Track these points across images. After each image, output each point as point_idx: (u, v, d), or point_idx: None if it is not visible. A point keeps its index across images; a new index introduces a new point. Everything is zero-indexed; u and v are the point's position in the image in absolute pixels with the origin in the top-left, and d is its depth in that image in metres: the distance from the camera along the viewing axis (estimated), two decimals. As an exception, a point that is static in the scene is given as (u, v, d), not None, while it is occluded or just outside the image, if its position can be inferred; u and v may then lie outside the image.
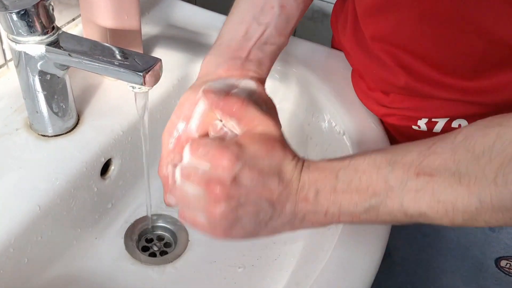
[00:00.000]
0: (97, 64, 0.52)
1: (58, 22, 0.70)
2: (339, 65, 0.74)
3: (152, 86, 0.51)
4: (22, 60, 0.54)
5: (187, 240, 0.66)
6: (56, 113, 0.58)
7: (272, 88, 0.75)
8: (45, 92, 0.56)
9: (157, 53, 0.73)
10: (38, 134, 0.60)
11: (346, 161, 0.42)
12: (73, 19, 0.72)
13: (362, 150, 0.46)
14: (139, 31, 0.67)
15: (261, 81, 0.52)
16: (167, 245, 0.67)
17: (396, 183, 0.40)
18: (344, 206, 0.42)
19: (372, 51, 0.61)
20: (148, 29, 0.76)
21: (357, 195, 0.41)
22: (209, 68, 0.52)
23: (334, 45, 0.79)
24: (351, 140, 0.63)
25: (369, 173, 0.41)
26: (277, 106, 0.72)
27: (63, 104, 0.58)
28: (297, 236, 0.61)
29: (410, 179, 0.40)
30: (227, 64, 0.51)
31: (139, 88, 0.51)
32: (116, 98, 0.66)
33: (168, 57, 0.72)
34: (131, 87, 0.52)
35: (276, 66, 0.73)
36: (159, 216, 0.68)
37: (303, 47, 0.77)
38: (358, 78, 0.69)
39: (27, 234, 0.53)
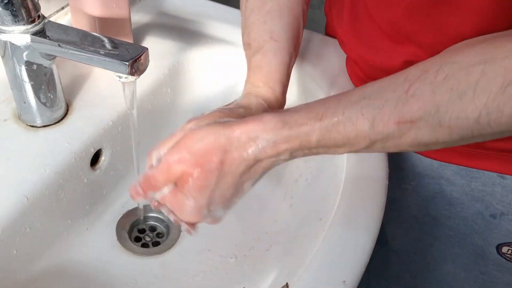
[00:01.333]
0: (83, 54, 0.51)
1: (47, 11, 0.69)
2: (333, 52, 0.73)
3: (139, 76, 0.51)
4: (8, 50, 0.53)
5: (179, 231, 0.66)
6: (44, 103, 0.58)
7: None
8: (32, 82, 0.55)
9: (148, 41, 0.72)
10: (27, 125, 0.59)
11: (316, 125, 0.41)
12: (62, 8, 0.71)
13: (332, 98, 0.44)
14: (128, 20, 0.66)
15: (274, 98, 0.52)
16: (160, 235, 0.67)
17: (378, 136, 0.40)
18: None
19: (370, 39, 0.60)
20: (139, 17, 0.75)
21: (328, 150, 0.43)
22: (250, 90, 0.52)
23: (328, 32, 0.78)
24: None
25: (346, 133, 0.41)
26: None
27: (51, 94, 0.58)
28: (288, 227, 0.61)
29: (392, 129, 0.40)
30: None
31: (125, 78, 0.50)
32: (106, 87, 0.65)
33: (159, 46, 0.72)
34: (117, 77, 0.51)
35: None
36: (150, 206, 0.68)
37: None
38: (354, 65, 0.68)
39: (15, 226, 0.52)
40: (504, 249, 0.67)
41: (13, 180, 0.54)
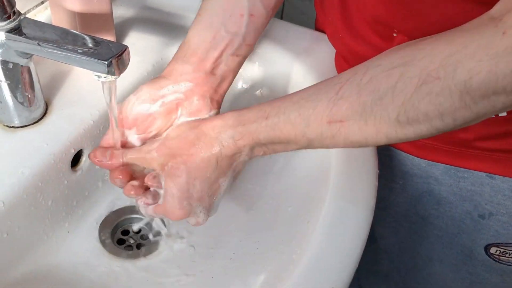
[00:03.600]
0: (60, 53, 0.49)
1: (25, 6, 0.67)
2: (322, 48, 0.72)
3: (119, 75, 0.49)
4: (-18, 48, 0.51)
5: (166, 232, 0.64)
6: (21, 103, 0.55)
7: (251, 74, 0.72)
8: (9, 82, 0.53)
9: (131, 37, 0.70)
10: (4, 125, 0.57)
11: (263, 123, 0.46)
12: (42, 2, 0.69)
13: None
14: (110, 15, 0.64)
15: (216, 102, 0.54)
16: (144, 237, 0.65)
17: (313, 135, 0.44)
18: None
19: (361, 33, 0.58)
20: (122, 12, 0.73)
21: (281, 147, 0.47)
22: (173, 73, 0.53)
23: (317, 27, 0.76)
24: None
25: (287, 132, 0.45)
26: (256, 93, 0.70)
27: (28, 94, 0.55)
28: (275, 229, 0.60)
29: (325, 128, 0.43)
30: (190, 76, 0.53)
31: (104, 77, 0.48)
32: (87, 85, 0.63)
33: (142, 42, 0.70)
34: (96, 76, 0.49)
35: (256, 50, 0.71)
36: (134, 208, 0.66)
37: (283, 30, 0.74)
38: (343, 62, 0.66)
39: (-9, 232, 0.50)
40: (493, 250, 0.66)
41: (-11, 183, 0.52)
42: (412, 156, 0.63)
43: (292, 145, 0.46)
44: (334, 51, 0.70)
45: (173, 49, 0.69)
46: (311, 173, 0.61)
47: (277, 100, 0.47)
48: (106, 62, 0.47)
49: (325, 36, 0.73)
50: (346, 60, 0.65)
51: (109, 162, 0.51)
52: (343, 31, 0.62)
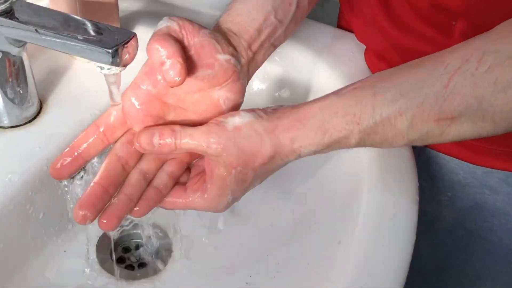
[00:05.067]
0: (57, 40, 0.42)
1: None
2: (346, 46, 0.65)
3: (125, 67, 0.41)
4: (-33, 34, 0.44)
5: (171, 250, 0.57)
6: (12, 100, 0.48)
7: (271, 73, 0.65)
8: (-3, 74, 0.46)
9: (137, 30, 0.63)
10: (-9, 125, 0.50)
11: (355, 129, 0.40)
12: (39, -11, 0.62)
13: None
14: (115, 4, 0.57)
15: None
16: (146, 256, 0.57)
17: (417, 135, 0.39)
18: None
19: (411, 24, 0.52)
20: (128, 4, 0.66)
21: (374, 146, 0.42)
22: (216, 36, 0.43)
23: (340, 24, 0.70)
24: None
25: (384, 135, 0.40)
26: (276, 95, 0.63)
27: (20, 89, 0.48)
28: (299, 250, 0.52)
29: (431, 127, 0.39)
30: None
31: (108, 69, 0.41)
32: (88, 82, 0.56)
33: (149, 35, 0.62)
34: (98, 68, 0.41)
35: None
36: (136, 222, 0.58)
37: (304, 27, 0.67)
38: (375, 59, 0.60)
39: (-28, 248, 0.43)
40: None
41: (-29, 191, 0.44)
42: (467, 163, 0.57)
43: (384, 145, 0.41)
44: (360, 49, 0.64)
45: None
46: (341, 184, 0.54)
47: (363, 95, 0.40)
48: (110, 51, 0.40)
49: (349, 34, 0.67)
50: (381, 57, 0.59)
51: (158, 149, 0.41)
52: (385, 25, 0.56)
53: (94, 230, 0.56)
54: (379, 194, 0.48)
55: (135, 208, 0.41)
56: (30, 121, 0.51)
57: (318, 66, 0.63)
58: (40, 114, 0.51)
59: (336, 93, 0.41)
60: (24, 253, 0.49)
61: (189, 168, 0.45)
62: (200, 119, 0.43)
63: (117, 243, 0.57)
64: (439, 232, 0.64)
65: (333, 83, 0.61)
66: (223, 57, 0.41)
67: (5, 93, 0.47)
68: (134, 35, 0.41)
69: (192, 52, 0.40)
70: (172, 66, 0.38)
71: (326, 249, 0.47)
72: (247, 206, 0.56)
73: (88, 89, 0.55)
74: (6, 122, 0.49)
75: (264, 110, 0.42)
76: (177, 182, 0.43)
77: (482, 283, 0.66)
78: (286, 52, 0.64)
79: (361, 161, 0.52)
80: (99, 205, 0.39)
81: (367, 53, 0.63)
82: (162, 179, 0.42)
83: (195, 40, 0.40)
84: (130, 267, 0.56)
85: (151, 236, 0.58)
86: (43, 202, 0.49)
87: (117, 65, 0.41)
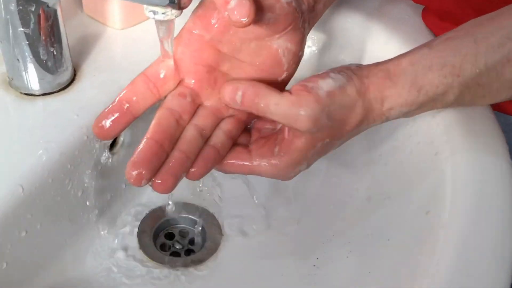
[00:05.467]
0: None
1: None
2: (402, 10, 0.59)
3: (182, 11, 0.36)
4: (-6, -17, 0.38)
5: (220, 235, 0.51)
6: (45, 62, 0.43)
7: (321, 39, 0.60)
8: (29, 31, 0.40)
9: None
10: (21, 92, 0.44)
11: (455, 83, 0.35)
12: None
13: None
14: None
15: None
16: (193, 242, 0.51)
17: None
18: None
19: None
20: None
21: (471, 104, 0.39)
22: None
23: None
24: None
25: (487, 85, 0.36)
26: (340, 58, 0.58)
27: (54, 50, 0.43)
28: (375, 224, 0.46)
29: None
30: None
31: (163, 13, 0.35)
32: (123, 49, 0.51)
33: None
34: (151, 13, 0.36)
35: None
36: (183, 205, 0.53)
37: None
38: (436, 19, 0.54)
39: (6, 228, 0.37)
40: None
41: (4, 164, 0.38)
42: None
43: (484, 100, 0.38)
44: (416, 11, 0.58)
45: None
46: (415, 154, 0.47)
47: (462, 42, 0.35)
48: (167, -12, 0.34)
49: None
50: (446, 16, 0.53)
51: (240, 107, 0.35)
52: None
53: (136, 212, 0.50)
54: (466, 159, 0.42)
55: (191, 170, 0.35)
56: (64, 88, 0.45)
57: (372, 31, 0.57)
58: (74, 81, 0.46)
59: (426, 45, 0.36)
60: (60, 237, 0.43)
61: (248, 129, 0.39)
62: (257, 72, 0.37)
63: (159, 228, 0.51)
64: None
65: (391, 48, 0.55)
66: None
67: (37, 54, 0.42)
68: (192, -29, 0.35)
69: None
70: (239, 4, 0.32)
71: (411, 222, 0.41)
72: (308, 181, 0.51)
73: (125, 55, 0.50)
74: (37, 88, 0.44)
75: (350, 68, 0.36)
76: (236, 143, 0.37)
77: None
78: (335, 18, 0.58)
79: (438, 126, 0.46)
80: (155, 162, 0.33)
81: (425, 15, 0.57)
82: (219, 137, 0.36)
83: None
84: (175, 254, 0.50)
85: (196, 220, 0.52)
86: (82, 178, 0.43)
87: (174, 7, 0.35)
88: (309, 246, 0.47)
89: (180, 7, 0.35)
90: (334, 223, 0.48)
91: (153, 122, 0.35)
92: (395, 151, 0.49)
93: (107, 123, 0.34)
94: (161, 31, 0.37)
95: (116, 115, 0.34)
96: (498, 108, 0.52)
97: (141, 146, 0.33)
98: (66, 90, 0.45)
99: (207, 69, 0.37)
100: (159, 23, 0.36)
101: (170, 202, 0.49)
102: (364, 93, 0.35)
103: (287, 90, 0.35)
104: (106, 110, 0.34)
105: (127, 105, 0.35)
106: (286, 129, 0.36)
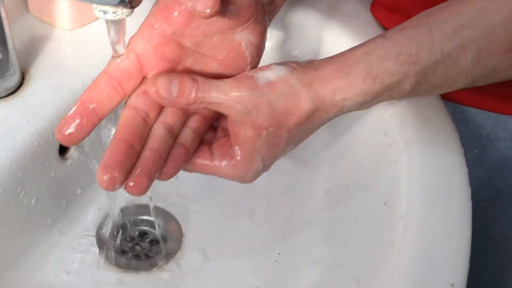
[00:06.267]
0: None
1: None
2: (351, 4, 0.60)
3: (133, 9, 0.35)
4: None
5: (181, 235, 0.50)
6: (-11, 67, 0.41)
7: (275, 36, 0.60)
8: (-29, 35, 0.39)
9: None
10: (-34, 99, 0.42)
11: (411, 71, 0.35)
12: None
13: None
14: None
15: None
16: (153, 243, 0.51)
17: (483, 70, 0.35)
18: None
19: None
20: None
21: (415, 94, 0.37)
22: None
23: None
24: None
25: (444, 74, 0.35)
26: (282, 57, 0.58)
27: (0, 53, 0.41)
28: (334, 216, 0.47)
29: (499, 60, 0.35)
30: None
31: (113, 12, 0.35)
32: (73, 50, 0.49)
33: None
34: (101, 12, 0.35)
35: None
36: (140, 206, 0.52)
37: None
38: (385, 11, 0.56)
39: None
40: None
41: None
42: (497, 114, 0.52)
43: (440, 89, 0.37)
44: (364, 5, 0.59)
45: None
46: (370, 146, 0.48)
47: (417, 31, 0.35)
48: (116, -12, 0.33)
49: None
50: (394, 9, 0.54)
51: (175, 99, 0.34)
52: None
53: (93, 216, 0.49)
54: (420, 149, 0.43)
55: (163, 169, 0.34)
56: (12, 92, 0.43)
57: (325, 26, 0.58)
58: (23, 85, 0.44)
59: (381, 36, 0.36)
60: (13, 248, 0.42)
61: (214, 127, 0.38)
62: (220, 66, 0.37)
63: (117, 231, 0.50)
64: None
65: (343, 42, 0.56)
66: None
67: (-19, 58, 0.40)
68: (142, -30, 0.35)
69: None
70: None
71: (369, 213, 0.42)
72: (266, 179, 0.51)
73: (75, 57, 0.48)
74: (-17, 95, 0.42)
75: (297, 62, 0.36)
76: (202, 141, 0.37)
77: (511, 245, 0.62)
78: (288, 13, 0.59)
79: (391, 118, 0.47)
80: (127, 164, 0.32)
81: (375, 8, 0.58)
82: (188, 135, 0.36)
83: None
84: (136, 257, 0.49)
85: (156, 221, 0.51)
86: (35, 185, 0.42)
87: (124, 6, 0.34)
88: (270, 242, 0.47)
89: (132, 6, 0.35)
90: (295, 218, 0.48)
91: (119, 123, 0.34)
92: (350, 143, 0.50)
93: (72, 127, 0.33)
94: (112, 31, 0.36)
95: (80, 118, 0.33)
96: (446, 97, 0.54)
97: (109, 147, 0.32)
98: (14, 94, 0.43)
99: (170, 64, 0.36)
100: (109, 23, 0.35)
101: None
102: (310, 84, 0.35)
103: None
104: (69, 114, 0.33)
105: (92, 106, 0.33)
106: (228, 121, 0.36)
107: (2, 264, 0.41)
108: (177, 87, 0.34)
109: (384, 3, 0.57)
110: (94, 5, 0.35)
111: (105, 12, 0.35)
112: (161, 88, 0.33)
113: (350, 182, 0.47)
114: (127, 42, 0.36)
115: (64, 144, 0.33)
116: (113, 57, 0.35)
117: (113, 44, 0.36)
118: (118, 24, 0.36)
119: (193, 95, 0.34)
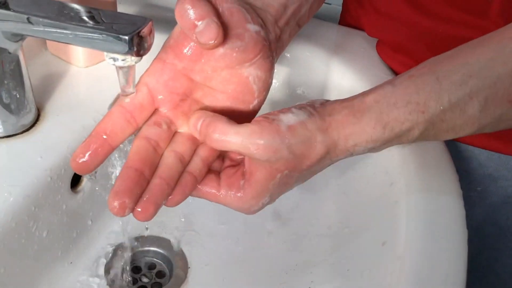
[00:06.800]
0: (63, 30, 0.37)
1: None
2: (358, 43, 0.62)
3: (141, 57, 0.37)
4: (-44, 31, 0.39)
5: (186, 267, 0.51)
6: (7, 105, 0.43)
7: (282, 72, 0.61)
8: (-9, 76, 0.41)
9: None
10: (-16, 135, 0.44)
11: (419, 119, 0.36)
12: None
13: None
14: (113, 3, 0.53)
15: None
16: (161, 275, 0.52)
17: (489, 119, 0.36)
18: None
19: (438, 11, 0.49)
20: (123, 9, 0.62)
21: (435, 138, 0.38)
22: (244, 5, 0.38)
23: (344, 22, 0.67)
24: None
25: (451, 122, 0.36)
26: (298, 92, 0.60)
27: (16, 93, 0.43)
28: (337, 252, 0.48)
29: (505, 109, 0.36)
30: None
31: (123, 60, 0.37)
32: (87, 87, 0.51)
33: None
34: (111, 60, 0.37)
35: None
36: (147, 238, 0.53)
37: (311, 25, 0.63)
38: (390, 51, 0.57)
39: (-31, 274, 0.37)
40: None
41: (-34, 209, 0.39)
42: (499, 154, 0.53)
43: (448, 135, 0.37)
44: (370, 44, 0.61)
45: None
46: (374, 186, 0.49)
47: (424, 80, 0.36)
48: (126, 38, 0.35)
49: (354, 31, 0.64)
50: (398, 49, 0.56)
51: (199, 136, 0.36)
52: (407, 13, 0.53)
53: (102, 248, 0.51)
54: (419, 190, 0.44)
55: (169, 197, 0.35)
56: (27, 129, 0.45)
57: (330, 63, 0.60)
58: (38, 122, 0.46)
59: (389, 82, 0.37)
60: (28, 276, 0.44)
61: (221, 155, 0.39)
62: (229, 99, 0.38)
63: (126, 262, 0.52)
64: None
65: (348, 80, 0.57)
66: (253, 28, 0.36)
67: (0, 97, 0.42)
68: (151, 21, 0.37)
69: (221, 20, 0.35)
70: (207, 27, 0.33)
71: (368, 253, 0.43)
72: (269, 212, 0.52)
73: (89, 94, 0.50)
74: (1, 131, 0.44)
75: (312, 105, 0.37)
76: (210, 169, 0.38)
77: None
78: (295, 50, 0.60)
79: (393, 157, 0.48)
80: (137, 190, 0.33)
81: (380, 47, 0.60)
82: (197, 164, 0.37)
83: (223, 6, 0.36)
84: (143, 288, 0.51)
85: (163, 253, 0.53)
86: (46, 218, 0.44)
87: (133, 54, 0.36)
88: (273, 275, 0.48)
89: (139, 55, 0.37)
90: (297, 251, 0.49)
91: (131, 151, 0.35)
92: (353, 180, 0.51)
93: (86, 156, 0.34)
94: (121, 76, 0.38)
95: (94, 147, 0.34)
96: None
97: (121, 175, 0.34)
98: (29, 131, 0.45)
99: (180, 97, 0.37)
100: (119, 68, 0.37)
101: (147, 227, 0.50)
102: (326, 130, 0.35)
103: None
104: (84, 143, 0.34)
105: (105, 136, 0.35)
106: (246, 159, 0.37)
107: (14, 294, 0.42)
108: (200, 126, 0.36)
109: (388, 43, 0.58)
110: (105, 53, 0.37)
111: (115, 60, 0.37)
112: (191, 126, 0.36)
113: (351, 219, 0.48)
114: (137, 80, 0.38)
115: (78, 172, 0.35)
116: (122, 95, 0.37)
117: (123, 87, 0.38)
118: (127, 70, 0.38)
119: (216, 141, 0.35)
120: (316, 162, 0.36)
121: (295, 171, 0.36)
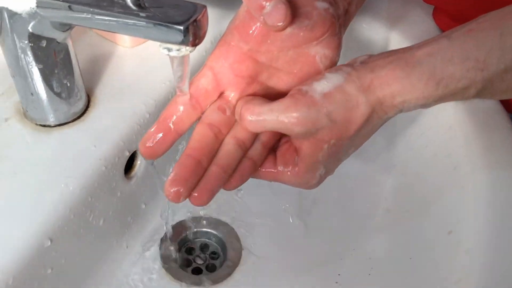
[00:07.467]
0: (114, 19, 0.35)
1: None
2: (413, 11, 0.58)
3: (196, 46, 0.35)
4: (5, 22, 0.38)
5: (240, 248, 0.51)
6: (58, 94, 0.42)
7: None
8: (41, 66, 0.40)
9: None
10: (36, 124, 0.44)
11: (478, 77, 0.33)
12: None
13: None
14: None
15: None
16: (214, 255, 0.52)
17: None
18: None
19: None
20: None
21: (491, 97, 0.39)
22: None
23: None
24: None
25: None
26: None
27: (67, 81, 0.42)
28: (398, 250, 0.46)
29: None
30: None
31: (177, 50, 0.35)
32: (136, 69, 0.50)
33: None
34: (165, 50, 0.35)
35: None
36: (199, 219, 0.53)
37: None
38: (447, 19, 0.53)
39: (31, 269, 0.37)
40: None
41: (23, 203, 0.39)
42: None
43: (505, 95, 0.35)
44: (426, 11, 0.57)
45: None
46: (435, 170, 0.47)
47: (485, 36, 0.33)
48: (181, 28, 0.33)
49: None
50: (457, 18, 0.52)
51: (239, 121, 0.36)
52: None
53: (157, 231, 0.51)
54: (485, 173, 0.41)
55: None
56: (79, 117, 0.45)
57: (387, 34, 0.57)
58: (88, 109, 0.45)
59: (444, 36, 0.34)
60: (84, 269, 0.44)
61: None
62: (294, 80, 0.36)
63: (180, 244, 0.52)
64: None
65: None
66: (321, 5, 0.34)
67: (50, 87, 0.41)
68: (205, 8, 0.35)
69: None
70: (275, 8, 0.32)
71: (433, 241, 0.41)
72: (325, 194, 0.51)
73: (138, 76, 0.49)
74: (52, 119, 0.44)
75: (351, 65, 0.35)
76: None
77: None
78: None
79: (456, 138, 0.46)
80: (193, 179, 0.33)
81: (436, 15, 0.56)
82: (257, 149, 0.36)
83: None
84: (197, 270, 0.50)
85: (215, 233, 0.53)
86: (103, 207, 0.43)
87: (188, 44, 0.34)
88: (330, 261, 0.47)
89: (194, 44, 0.35)
90: (355, 236, 0.48)
91: (192, 138, 0.35)
92: (411, 161, 0.49)
93: (153, 143, 0.35)
94: (176, 66, 0.36)
95: (162, 134, 0.35)
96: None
97: (179, 163, 0.34)
98: (81, 118, 0.45)
99: (246, 80, 0.36)
100: (173, 58, 0.36)
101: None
102: (367, 89, 0.33)
103: None
104: (152, 130, 0.35)
105: (171, 123, 0.35)
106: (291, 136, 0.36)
107: (74, 283, 0.43)
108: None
109: (447, 10, 0.55)
110: (159, 43, 0.36)
111: (169, 50, 0.35)
112: (236, 112, 0.36)
113: (411, 202, 0.46)
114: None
115: (146, 158, 0.35)
116: (178, 96, 0.36)
117: (178, 81, 0.37)
118: (182, 60, 0.36)
119: (252, 122, 0.34)
120: (364, 124, 0.34)
121: (343, 139, 0.35)
